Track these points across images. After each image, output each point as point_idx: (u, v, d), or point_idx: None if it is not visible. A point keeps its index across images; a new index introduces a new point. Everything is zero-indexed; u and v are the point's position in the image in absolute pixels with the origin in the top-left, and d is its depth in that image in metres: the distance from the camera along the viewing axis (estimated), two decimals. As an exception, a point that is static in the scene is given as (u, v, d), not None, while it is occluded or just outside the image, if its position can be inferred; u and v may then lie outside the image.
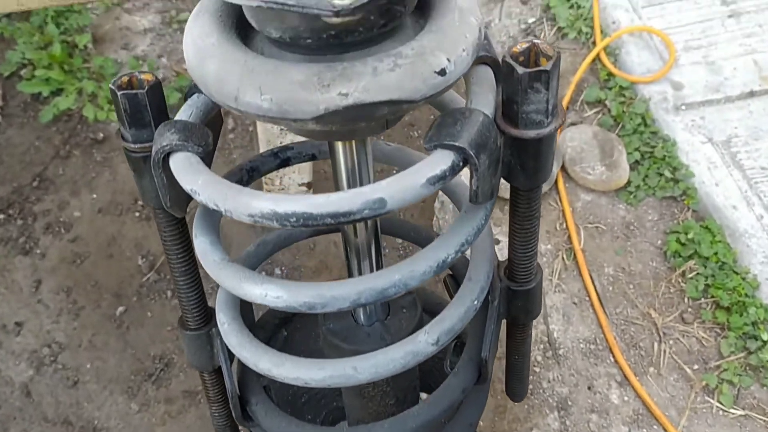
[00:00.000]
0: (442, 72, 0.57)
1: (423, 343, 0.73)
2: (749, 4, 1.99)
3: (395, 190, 0.58)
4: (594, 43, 1.94)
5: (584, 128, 1.76)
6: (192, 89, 0.73)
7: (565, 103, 1.85)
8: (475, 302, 0.76)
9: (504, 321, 0.86)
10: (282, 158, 0.88)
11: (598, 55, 1.89)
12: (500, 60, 0.64)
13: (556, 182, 1.72)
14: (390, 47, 0.59)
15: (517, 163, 0.67)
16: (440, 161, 0.59)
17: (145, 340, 1.51)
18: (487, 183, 0.63)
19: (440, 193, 1.66)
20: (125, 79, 0.70)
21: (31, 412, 1.42)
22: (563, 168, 1.74)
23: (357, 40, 0.58)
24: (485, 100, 0.64)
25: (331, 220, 0.57)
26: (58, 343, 1.50)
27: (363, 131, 0.64)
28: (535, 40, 0.63)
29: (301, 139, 0.86)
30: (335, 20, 0.51)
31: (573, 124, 1.82)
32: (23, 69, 1.86)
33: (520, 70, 0.61)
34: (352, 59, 0.57)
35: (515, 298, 0.82)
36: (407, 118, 1.82)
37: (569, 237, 1.67)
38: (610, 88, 1.85)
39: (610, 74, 1.86)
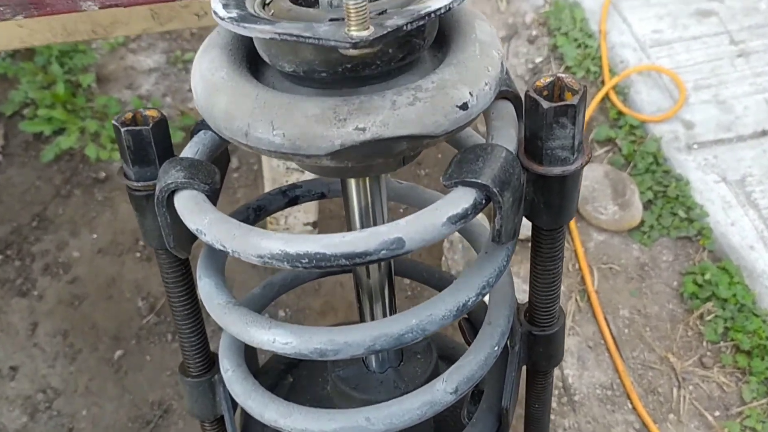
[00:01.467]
0: (464, 106, 0.54)
1: (441, 392, 0.68)
2: (758, 43, 1.98)
3: (414, 229, 0.54)
4: (602, 82, 1.92)
5: (596, 167, 1.73)
6: (199, 126, 0.70)
7: (574, 141, 1.82)
8: (496, 348, 0.71)
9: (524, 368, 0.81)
10: (290, 197, 0.85)
11: (607, 93, 1.87)
12: (523, 95, 0.61)
13: (567, 222, 1.69)
14: (409, 81, 0.57)
15: (540, 202, 0.64)
16: (462, 199, 0.56)
17: (143, 385, 1.46)
18: (511, 222, 0.59)
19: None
20: (129, 115, 0.67)
21: (24, 462, 1.36)
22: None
23: (374, 74, 0.55)
24: (507, 135, 0.61)
25: (346, 261, 0.54)
26: (54, 388, 1.45)
27: (378, 168, 0.61)
28: (560, 74, 0.60)
29: (310, 176, 0.83)
30: (353, 53, 0.48)
31: (583, 163, 1.79)
32: (26, 108, 1.85)
33: (545, 104, 0.58)
34: (369, 92, 0.54)
35: (536, 343, 0.77)
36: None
37: (582, 278, 1.62)
38: (620, 127, 1.83)
39: (620, 113, 1.84)
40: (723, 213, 1.65)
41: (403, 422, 0.68)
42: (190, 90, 1.98)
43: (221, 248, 0.57)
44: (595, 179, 1.70)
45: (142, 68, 2.02)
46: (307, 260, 0.54)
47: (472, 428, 0.78)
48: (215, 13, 0.56)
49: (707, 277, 1.56)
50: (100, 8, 0.65)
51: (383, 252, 0.54)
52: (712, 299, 1.54)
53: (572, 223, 1.68)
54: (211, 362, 0.83)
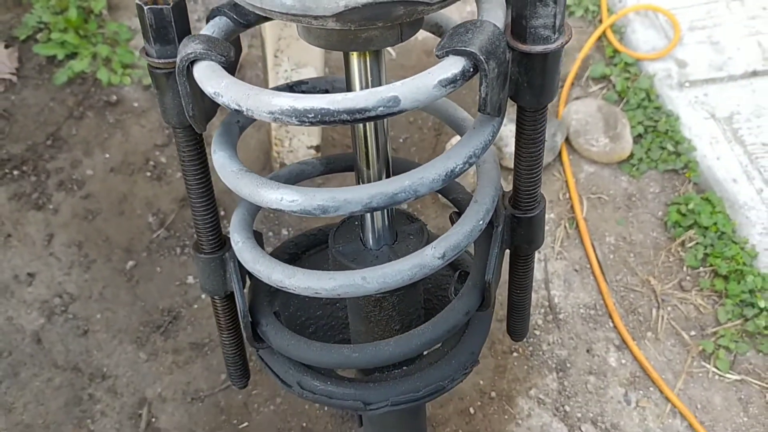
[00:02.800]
0: (457, -23, 0.60)
1: (430, 256, 0.76)
2: (754, -13, 2.02)
3: (409, 89, 0.61)
4: (600, 21, 1.97)
5: (589, 102, 1.79)
6: (214, 11, 0.76)
7: (570, 78, 1.88)
8: (481, 222, 0.79)
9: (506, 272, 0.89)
10: (297, 91, 0.91)
11: (604, 32, 1.92)
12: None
13: (559, 153, 1.75)
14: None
15: (524, 81, 0.70)
16: (452, 66, 0.62)
17: (153, 294, 1.55)
18: (496, 93, 0.66)
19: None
20: (151, -4, 0.73)
21: (42, 359, 1.45)
22: (567, 140, 1.77)
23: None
24: (495, 15, 0.67)
25: (347, 116, 0.61)
26: (69, 294, 1.53)
27: (378, 40, 0.67)
28: (545, -43, 0.66)
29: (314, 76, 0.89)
30: None
31: (578, 98, 1.85)
32: (39, 33, 1.90)
33: (530, -18, 0.64)
34: (371, -37, 0.60)
35: (519, 226, 0.85)
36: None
37: (572, 207, 1.70)
38: (615, 65, 1.88)
39: (616, 51, 1.89)
40: (710, 148, 1.71)
41: (395, 281, 0.75)
42: (197, 20, 2.03)
43: (236, 107, 0.64)
44: (587, 113, 1.76)
45: (152, -2, 2.07)
46: (312, 115, 0.61)
47: (458, 301, 0.86)
48: None
49: (691, 206, 1.63)
50: None
51: (380, 109, 0.61)
52: (694, 227, 1.62)
53: (564, 154, 1.75)
54: (222, 241, 0.90)
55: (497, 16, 0.67)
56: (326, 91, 0.92)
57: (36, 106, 1.81)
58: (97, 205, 1.65)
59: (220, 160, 0.77)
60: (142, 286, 1.56)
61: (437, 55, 0.64)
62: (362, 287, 0.75)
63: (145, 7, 0.72)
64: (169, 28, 0.73)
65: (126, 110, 1.82)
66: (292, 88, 0.91)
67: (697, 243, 1.60)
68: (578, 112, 1.76)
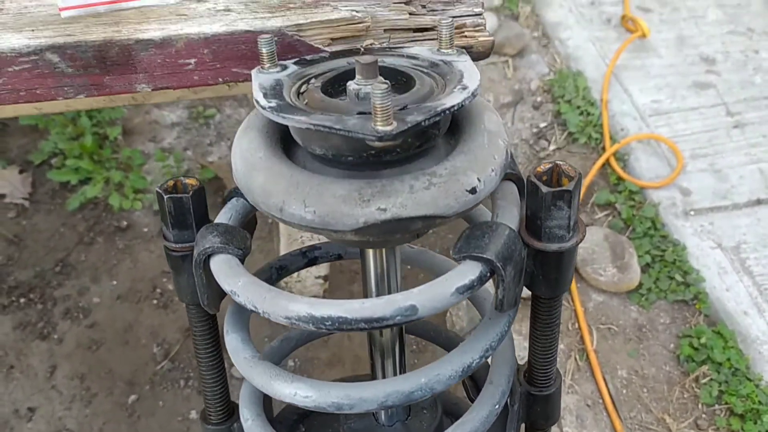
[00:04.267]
0: (473, 190, 0.62)
1: (445, 446, 0.74)
2: (754, 115, 2.07)
3: (426, 298, 0.61)
4: (603, 148, 2.01)
5: (595, 230, 1.81)
6: (231, 193, 0.77)
7: (576, 205, 1.90)
8: (497, 406, 0.77)
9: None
10: (310, 257, 0.92)
11: (607, 160, 1.96)
12: (525, 178, 0.69)
13: (568, 282, 1.75)
14: (425, 165, 0.64)
15: (539, 274, 0.71)
16: (469, 272, 0.63)
17: (155, 430, 1.51)
18: (512, 292, 0.66)
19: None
20: (171, 183, 0.75)
21: (37, 502, 1.40)
22: (575, 269, 1.77)
23: (394, 159, 0.63)
24: (510, 214, 0.68)
25: (365, 325, 0.61)
26: (69, 430, 1.50)
27: (395, 241, 0.68)
28: (558, 162, 0.68)
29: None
30: (378, 144, 0.55)
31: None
32: (54, 158, 1.94)
33: (544, 189, 0.65)
34: (389, 176, 0.61)
35: (535, 403, 0.83)
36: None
37: (582, 338, 1.68)
38: (620, 192, 1.91)
39: (620, 179, 1.92)
40: (718, 278, 1.71)
41: (410, 473, 0.73)
42: (209, 144, 2.08)
43: (252, 309, 0.64)
44: (595, 242, 1.77)
45: (166, 122, 2.12)
46: (330, 323, 0.61)
47: (473, 482, 0.83)
48: (257, 101, 0.64)
49: (703, 341, 1.61)
50: (152, 90, 0.73)
51: (398, 318, 0.61)
52: (707, 362, 1.59)
53: (572, 284, 1.74)
54: (231, 411, 0.89)
55: (512, 215, 0.68)
56: (339, 256, 0.93)
57: (47, 231, 1.83)
58: (102, 335, 1.64)
59: (232, 343, 0.76)
60: (144, 421, 1.53)
61: (454, 258, 0.64)
62: (376, 478, 0.73)
63: (165, 196, 0.74)
64: (187, 215, 0.74)
65: (136, 235, 1.84)
66: (305, 253, 0.92)
67: (711, 379, 1.57)
68: (585, 241, 1.77)
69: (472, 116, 0.68)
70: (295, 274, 1.63)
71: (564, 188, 0.65)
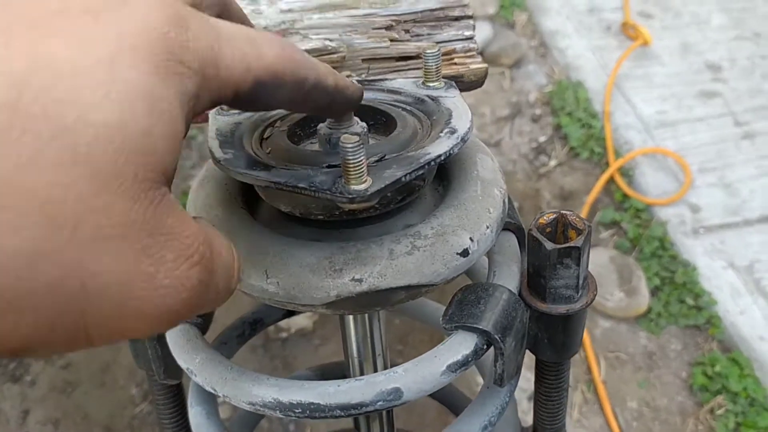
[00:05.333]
0: (465, 253, 0.53)
1: None
2: (763, 125, 1.98)
3: (413, 379, 0.52)
4: (607, 163, 1.92)
5: (601, 252, 1.72)
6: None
7: (579, 223, 1.81)
8: (499, 484, 0.68)
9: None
10: (289, 309, 0.82)
11: (611, 175, 1.87)
12: (526, 231, 0.60)
13: (572, 308, 1.66)
14: (408, 219, 0.55)
15: (544, 337, 0.62)
16: (462, 345, 0.53)
17: (136, 476, 1.42)
18: (513, 364, 0.57)
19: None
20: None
21: None
22: (580, 293, 1.67)
23: (372, 215, 0.54)
24: (509, 272, 0.59)
25: (341, 412, 0.51)
26: (44, 479, 1.41)
27: (375, 308, 0.59)
28: (563, 211, 0.58)
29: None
30: (351, 206, 0.46)
31: (588, 245, 1.78)
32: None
33: (549, 245, 0.56)
34: (366, 236, 0.53)
35: (541, 472, 0.74)
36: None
37: (589, 367, 1.59)
38: (625, 210, 1.82)
39: (625, 195, 1.83)
40: (732, 301, 1.62)
41: None
42: (192, 167, 1.99)
43: (211, 391, 0.55)
44: (600, 264, 1.68)
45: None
46: (300, 410, 0.52)
47: None
48: (211, 152, 0.55)
49: (717, 369, 1.52)
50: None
51: (380, 403, 0.51)
52: (722, 392, 1.50)
53: (578, 309, 1.65)
54: (202, 482, 0.80)
55: (511, 273, 0.59)
56: (321, 305, 0.84)
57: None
58: (77, 376, 1.55)
59: (196, 419, 0.67)
60: (124, 468, 1.44)
61: (444, 328, 0.55)
62: None
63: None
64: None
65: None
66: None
67: (727, 410, 1.48)
68: (591, 264, 1.67)
69: (463, 161, 0.59)
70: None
71: (572, 245, 0.56)
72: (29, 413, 1.49)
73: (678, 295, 1.64)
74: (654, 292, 1.66)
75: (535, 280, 0.59)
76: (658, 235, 1.73)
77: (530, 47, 2.37)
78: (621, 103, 2.06)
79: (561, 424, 0.72)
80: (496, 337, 0.53)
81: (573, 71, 2.19)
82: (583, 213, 1.82)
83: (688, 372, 1.56)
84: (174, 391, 0.73)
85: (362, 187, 0.47)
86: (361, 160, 0.47)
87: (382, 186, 0.47)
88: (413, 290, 0.51)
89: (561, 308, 0.59)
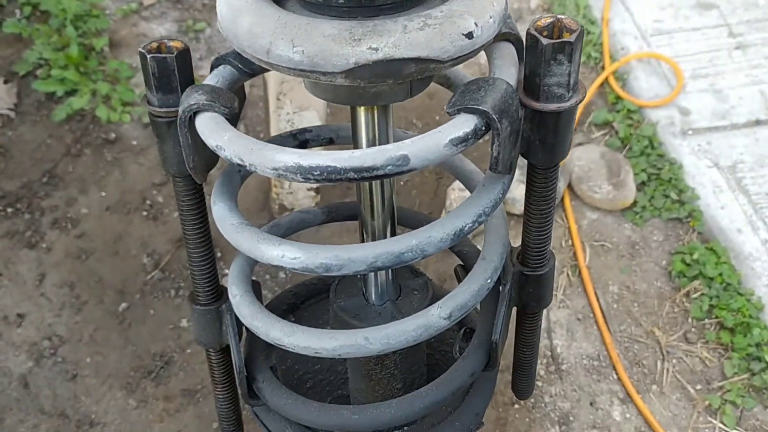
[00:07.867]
0: (470, 35, 0.59)
1: (435, 317, 0.73)
2: (756, 36, 2.02)
3: (419, 148, 0.59)
4: (603, 67, 1.97)
5: (592, 148, 1.78)
6: (218, 60, 0.74)
7: (572, 124, 1.87)
8: (488, 281, 0.76)
9: (513, 323, 0.86)
10: (300, 140, 0.89)
11: (606, 78, 1.92)
12: (524, 34, 0.66)
13: (562, 199, 1.73)
14: (419, 11, 0.61)
15: (536, 139, 0.68)
16: (463, 124, 0.60)
17: (146, 337, 1.51)
18: (507, 152, 0.64)
19: (451, 196, 1.66)
20: (154, 44, 0.71)
21: (28, 404, 1.41)
22: (570, 186, 1.75)
23: (387, 4, 0.60)
24: (508, 72, 0.65)
25: (355, 174, 0.58)
26: (59, 336, 1.49)
27: (387, 96, 0.65)
28: (559, 15, 0.64)
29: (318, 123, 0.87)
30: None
31: (580, 144, 1.84)
32: (39, 69, 1.89)
33: (544, 41, 0.62)
34: (383, 19, 0.58)
35: (527, 283, 0.82)
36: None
37: (575, 254, 1.67)
38: (618, 111, 1.87)
39: (619, 98, 1.89)
40: (714, 197, 1.70)
41: (399, 342, 0.72)
42: (200, 58, 2.02)
43: (239, 162, 0.62)
44: (591, 159, 1.75)
45: (154, 35, 2.06)
46: (318, 173, 0.58)
47: (463, 362, 0.83)
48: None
49: (695, 256, 1.60)
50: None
51: (389, 167, 0.58)
52: (699, 278, 1.59)
53: (566, 201, 1.73)
54: (219, 293, 0.87)
55: (510, 72, 0.65)
56: (331, 140, 0.90)
57: (33, 142, 1.79)
58: (91, 245, 1.62)
59: (219, 211, 0.74)
60: (134, 329, 1.52)
61: (448, 113, 0.62)
62: (364, 348, 0.72)
63: (149, 56, 0.71)
64: (172, 77, 0.71)
65: (124, 148, 1.80)
66: (295, 135, 0.89)
67: (702, 294, 1.57)
68: (581, 159, 1.75)
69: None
70: (287, 184, 1.61)
71: (565, 40, 0.62)
72: (45, 277, 1.57)
73: (663, 190, 1.72)
74: (640, 186, 1.74)
75: (531, 80, 0.66)
76: (647, 134, 1.80)
77: (533, -42, 2.39)
78: (620, 10, 2.09)
79: (547, 236, 0.79)
80: (494, 117, 0.60)
81: (574, -19, 2.21)
82: (577, 114, 1.88)
83: (668, 260, 1.65)
84: (198, 197, 0.79)
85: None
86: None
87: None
88: (422, 63, 0.58)
89: (552, 105, 0.66)
